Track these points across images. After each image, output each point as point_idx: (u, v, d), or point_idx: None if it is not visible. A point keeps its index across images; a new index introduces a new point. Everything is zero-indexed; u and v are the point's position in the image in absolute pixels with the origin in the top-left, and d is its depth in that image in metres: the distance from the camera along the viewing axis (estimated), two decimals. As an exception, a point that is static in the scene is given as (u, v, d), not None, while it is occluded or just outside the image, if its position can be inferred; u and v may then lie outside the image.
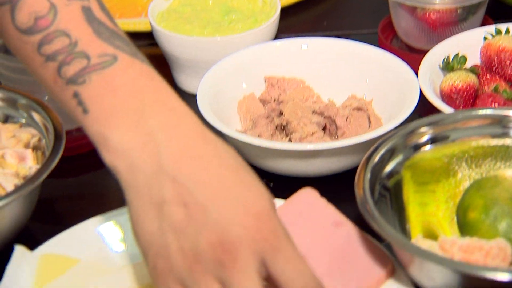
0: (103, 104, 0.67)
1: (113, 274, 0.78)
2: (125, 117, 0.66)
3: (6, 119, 0.92)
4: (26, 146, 0.88)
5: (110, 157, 0.66)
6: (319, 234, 0.81)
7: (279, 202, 0.85)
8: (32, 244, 0.81)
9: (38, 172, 0.81)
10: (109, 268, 0.79)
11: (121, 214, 0.82)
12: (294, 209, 0.83)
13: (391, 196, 0.81)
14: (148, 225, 0.65)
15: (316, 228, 0.82)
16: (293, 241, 0.66)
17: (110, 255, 0.81)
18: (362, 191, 0.77)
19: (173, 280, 0.65)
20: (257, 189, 0.67)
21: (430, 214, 0.83)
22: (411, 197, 0.83)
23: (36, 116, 0.89)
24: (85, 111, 0.67)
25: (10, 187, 0.83)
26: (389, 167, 0.82)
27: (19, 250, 0.79)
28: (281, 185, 0.91)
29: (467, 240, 0.74)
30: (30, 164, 0.87)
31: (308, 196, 0.84)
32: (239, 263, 0.63)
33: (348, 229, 0.81)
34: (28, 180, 0.80)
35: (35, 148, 0.88)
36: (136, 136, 0.66)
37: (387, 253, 0.79)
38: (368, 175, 0.79)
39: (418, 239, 0.78)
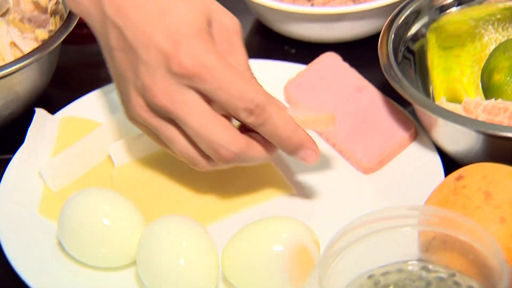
0: None
1: (133, 138, 0.77)
2: None
3: (23, -17, 0.90)
4: (44, 10, 0.87)
5: (76, 10, 0.70)
6: (342, 99, 0.80)
7: (301, 67, 0.84)
8: (52, 109, 0.81)
9: (56, 35, 0.80)
10: (129, 132, 0.78)
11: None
12: (316, 73, 0.82)
13: (415, 59, 0.80)
14: (112, 71, 0.70)
15: (338, 92, 0.81)
16: (222, 61, 0.65)
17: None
18: (385, 52, 0.76)
19: (139, 125, 0.69)
20: (186, 10, 0.66)
21: (454, 79, 0.81)
22: (435, 62, 0.81)
23: (53, -21, 0.88)
24: None
25: (28, 51, 0.82)
26: (413, 29, 0.80)
27: (40, 113, 0.78)
28: (303, 51, 0.90)
29: (492, 102, 0.73)
30: (49, 28, 0.85)
31: (330, 60, 0.83)
32: (180, 105, 0.65)
33: (370, 93, 0.80)
34: (46, 43, 0.79)
35: (53, 13, 0.87)
36: None
37: (410, 117, 0.78)
38: (392, 36, 0.77)
39: (442, 102, 0.76)
